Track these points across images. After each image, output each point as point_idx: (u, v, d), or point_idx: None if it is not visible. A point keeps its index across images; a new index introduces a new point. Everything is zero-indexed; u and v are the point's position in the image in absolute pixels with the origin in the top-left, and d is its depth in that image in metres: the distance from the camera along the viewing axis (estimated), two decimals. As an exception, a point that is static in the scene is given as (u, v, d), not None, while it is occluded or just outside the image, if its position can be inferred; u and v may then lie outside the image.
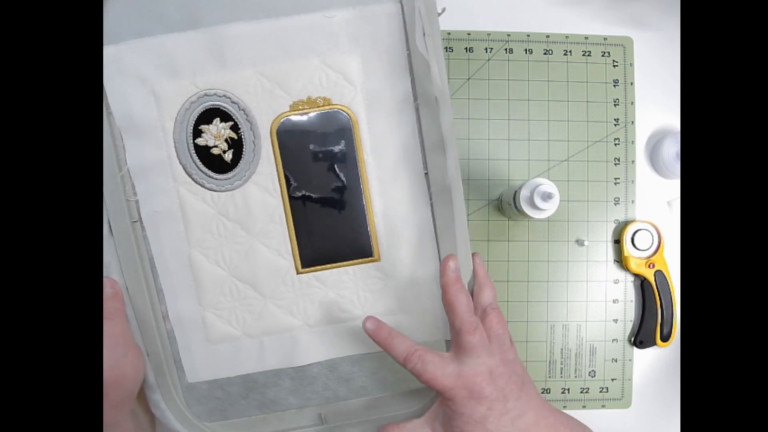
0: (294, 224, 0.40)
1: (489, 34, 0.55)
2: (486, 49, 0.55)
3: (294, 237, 0.41)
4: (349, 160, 0.40)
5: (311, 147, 0.40)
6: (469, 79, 0.55)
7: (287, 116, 0.39)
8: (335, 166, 0.40)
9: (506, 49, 0.55)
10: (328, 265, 0.41)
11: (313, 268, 0.41)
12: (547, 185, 0.47)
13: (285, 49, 0.38)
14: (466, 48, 0.55)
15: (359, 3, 0.38)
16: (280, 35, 0.38)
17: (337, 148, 0.40)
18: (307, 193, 0.40)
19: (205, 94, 0.39)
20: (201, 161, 0.39)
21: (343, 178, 0.40)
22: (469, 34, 0.55)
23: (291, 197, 0.40)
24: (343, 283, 0.41)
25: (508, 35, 0.55)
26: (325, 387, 0.42)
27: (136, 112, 0.39)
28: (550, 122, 0.55)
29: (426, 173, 0.41)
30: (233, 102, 0.39)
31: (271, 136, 0.39)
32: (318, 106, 0.39)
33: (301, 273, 0.41)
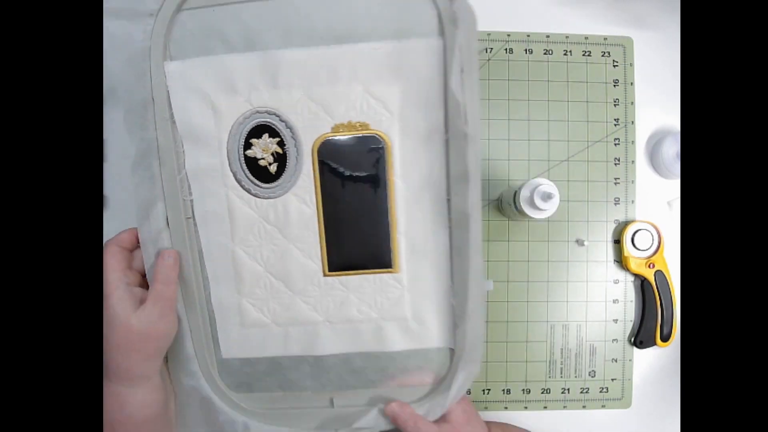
0: (325, 233, 0.45)
1: (489, 34, 0.55)
2: (486, 49, 0.55)
3: (324, 244, 0.45)
4: (380, 181, 0.44)
5: (347, 166, 0.44)
6: (469, 79, 0.55)
7: (329, 137, 0.43)
8: (367, 185, 0.44)
9: (506, 49, 0.55)
10: (352, 272, 0.46)
11: (338, 273, 0.46)
12: (547, 185, 0.47)
13: (332, 75, 0.42)
14: (466, 48, 0.55)
15: (403, 36, 0.41)
16: (329, 62, 0.42)
17: (370, 169, 0.44)
18: (339, 207, 0.44)
19: (257, 111, 0.43)
20: (249, 171, 0.44)
21: (373, 197, 0.44)
22: (469, 34, 0.55)
23: (325, 209, 0.44)
24: (364, 288, 0.46)
25: (508, 35, 0.55)
26: (339, 376, 0.47)
27: (196, 122, 0.43)
28: (550, 122, 0.55)
29: (449, 199, 0.44)
30: (281, 120, 0.43)
31: (312, 153, 0.43)
32: (356, 130, 0.43)
33: (328, 276, 0.46)
